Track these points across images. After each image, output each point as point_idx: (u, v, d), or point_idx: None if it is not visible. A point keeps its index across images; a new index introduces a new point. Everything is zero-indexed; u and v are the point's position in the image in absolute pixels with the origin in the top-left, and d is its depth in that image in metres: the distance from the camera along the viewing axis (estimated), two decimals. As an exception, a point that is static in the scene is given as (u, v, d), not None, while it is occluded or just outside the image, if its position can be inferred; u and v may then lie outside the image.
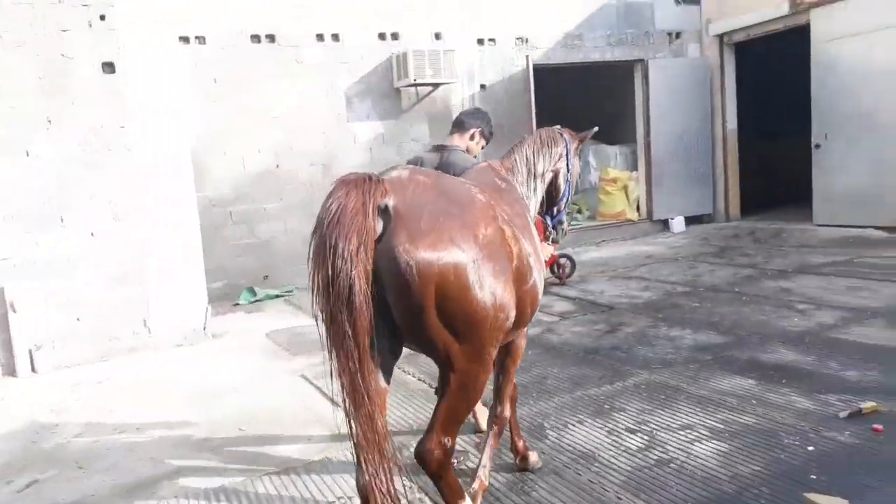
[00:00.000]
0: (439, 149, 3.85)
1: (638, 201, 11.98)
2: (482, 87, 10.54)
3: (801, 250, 9.10)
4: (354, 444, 2.21)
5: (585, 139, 3.76)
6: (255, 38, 9.04)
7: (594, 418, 4.05)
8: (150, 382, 5.45)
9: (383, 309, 2.26)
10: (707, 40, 12.01)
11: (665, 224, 11.94)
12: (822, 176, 10.31)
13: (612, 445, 3.67)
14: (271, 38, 9.14)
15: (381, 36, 9.83)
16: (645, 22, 11.64)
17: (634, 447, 3.63)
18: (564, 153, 3.55)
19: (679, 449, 3.56)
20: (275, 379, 5.32)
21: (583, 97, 14.53)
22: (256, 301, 8.52)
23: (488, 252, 2.35)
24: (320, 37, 9.45)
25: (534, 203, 3.43)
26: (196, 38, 8.67)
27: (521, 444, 3.42)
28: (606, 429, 3.89)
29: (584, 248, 10.94)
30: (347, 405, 2.18)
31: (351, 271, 2.08)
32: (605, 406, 4.24)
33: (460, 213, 2.33)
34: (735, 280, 7.62)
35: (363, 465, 2.22)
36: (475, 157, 3.96)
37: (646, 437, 3.73)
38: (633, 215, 11.92)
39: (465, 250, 2.26)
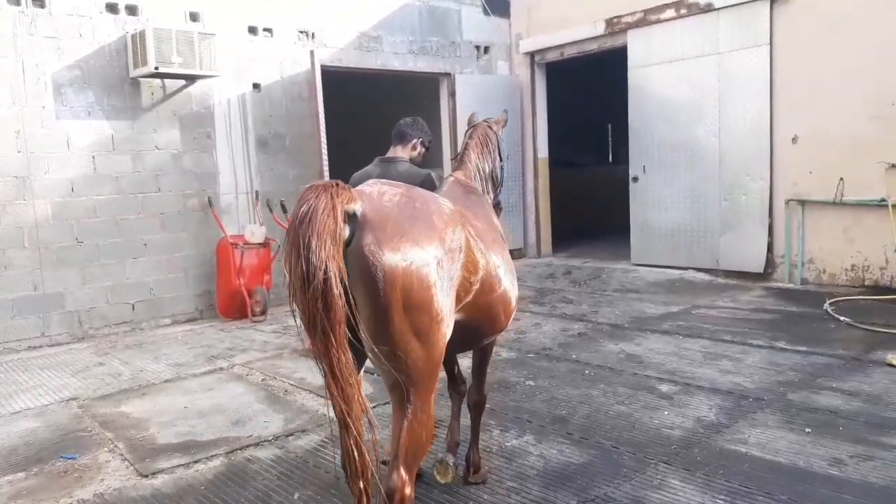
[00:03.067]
0: (386, 161, 3.87)
1: (444, 234, 10.37)
2: (255, 86, 8.28)
3: (627, 296, 7.94)
4: (338, 423, 2.23)
5: (505, 123, 3.99)
6: None
7: None
8: None
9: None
10: (517, 58, 10.81)
11: (473, 261, 10.44)
12: (641, 211, 9.41)
13: None
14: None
15: (112, 7, 7.22)
16: (451, 30, 10.14)
17: None
18: (497, 144, 3.74)
19: None
20: None
21: (381, 111, 12.73)
22: None
23: (451, 257, 2.44)
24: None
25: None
26: None
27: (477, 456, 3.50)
28: None
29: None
30: (330, 388, 2.20)
31: (325, 267, 2.11)
32: None
33: (427, 219, 2.41)
34: (568, 341, 6.10)
35: (345, 442, 2.26)
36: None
37: None
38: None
39: (428, 252, 2.33)
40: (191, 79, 7.64)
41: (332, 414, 2.23)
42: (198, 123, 7.86)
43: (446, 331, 2.43)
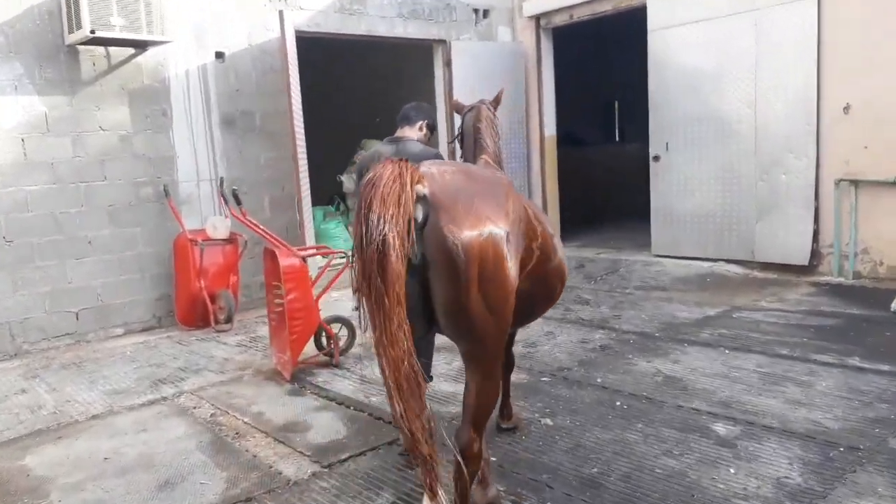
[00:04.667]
0: (396, 140, 3.85)
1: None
2: (219, 56, 7.14)
3: (652, 295, 6.86)
4: (387, 390, 2.30)
5: (499, 102, 3.99)
6: None
7: None
8: None
9: (423, 297, 2.40)
10: (521, 23, 9.64)
11: (474, 252, 9.34)
12: (663, 195, 8.30)
13: None
14: None
15: (41, -40, 6.08)
16: (446, -8, 8.96)
17: None
18: (496, 124, 3.79)
19: None
20: None
21: (369, 85, 11.60)
22: None
23: (516, 227, 2.54)
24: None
25: None
26: None
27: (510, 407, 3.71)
28: None
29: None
30: (379, 352, 2.28)
31: (384, 230, 2.17)
32: None
33: (492, 194, 2.50)
34: (589, 357, 5.03)
35: (395, 408, 2.30)
36: None
37: None
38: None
39: (500, 227, 2.41)
40: (140, 46, 6.51)
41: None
42: (151, 99, 6.73)
43: (513, 300, 2.50)
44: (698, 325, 5.65)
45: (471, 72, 8.97)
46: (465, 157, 3.83)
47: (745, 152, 7.47)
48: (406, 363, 2.25)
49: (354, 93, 11.85)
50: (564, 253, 3.08)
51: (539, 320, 6.05)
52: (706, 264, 7.69)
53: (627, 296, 6.91)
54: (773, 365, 4.54)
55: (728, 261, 7.66)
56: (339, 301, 7.35)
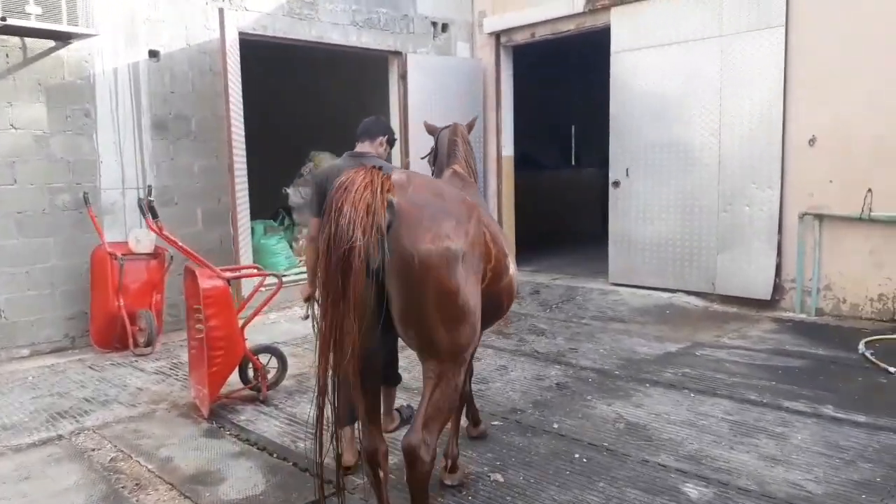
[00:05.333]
0: (357, 156, 3.79)
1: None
2: (153, 54, 6.56)
3: (610, 327, 6.49)
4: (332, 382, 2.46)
5: (473, 127, 4.17)
6: None
7: None
8: None
9: (381, 301, 2.45)
10: (480, 39, 9.29)
11: (424, 274, 8.88)
12: (622, 221, 7.99)
13: None
14: None
15: (-50, -63, 5.43)
16: (403, 2, 8.55)
17: None
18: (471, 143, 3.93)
19: None
20: None
21: (319, 95, 11.11)
22: None
23: (472, 249, 2.59)
24: None
25: None
26: None
27: (455, 450, 3.41)
28: None
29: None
30: (323, 352, 2.40)
31: (353, 236, 2.25)
32: None
33: (455, 213, 2.56)
34: (544, 396, 4.59)
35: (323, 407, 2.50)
36: None
37: None
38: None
39: (458, 245, 2.48)
40: (62, 39, 5.90)
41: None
42: (73, 98, 6.10)
43: (473, 318, 2.57)
44: (660, 362, 5.29)
45: (427, 86, 8.56)
46: (437, 173, 3.89)
47: (707, 181, 7.22)
48: (349, 367, 2.37)
49: (305, 104, 11.35)
50: (516, 270, 3.19)
51: (491, 352, 5.64)
52: (665, 295, 7.39)
53: (584, 326, 6.53)
54: (743, 412, 4.17)
55: (688, 292, 7.36)
56: (277, 323, 6.79)
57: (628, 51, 7.75)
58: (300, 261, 8.68)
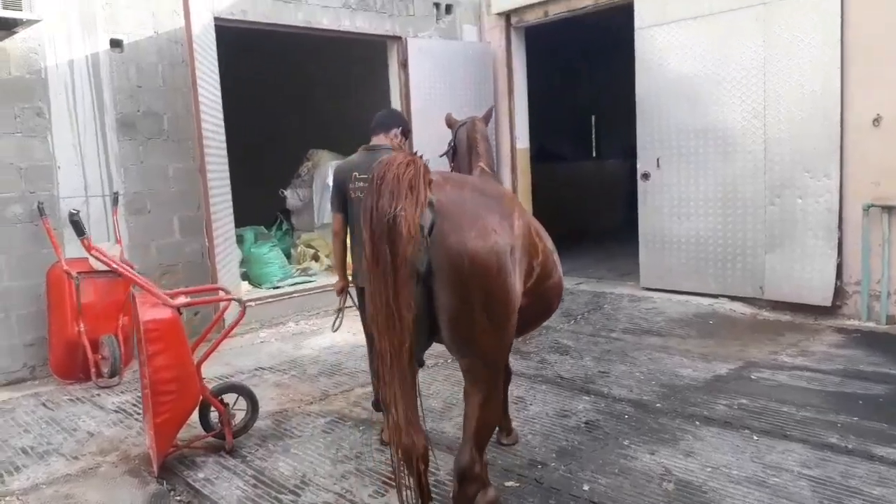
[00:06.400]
0: (372, 150, 3.77)
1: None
2: (115, 44, 5.79)
3: (645, 342, 5.60)
4: (379, 364, 2.29)
5: (489, 119, 4.00)
6: None
7: None
8: None
9: (427, 308, 2.33)
10: (489, 20, 8.43)
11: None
12: (653, 218, 7.09)
13: None
14: None
15: None
16: (403, -19, 7.72)
17: None
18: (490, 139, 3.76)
19: None
20: None
21: (312, 87, 10.32)
22: None
23: (520, 242, 2.50)
24: None
25: None
26: None
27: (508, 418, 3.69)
28: None
29: (305, 324, 6.61)
30: (378, 324, 2.23)
31: (398, 205, 2.15)
32: None
33: (498, 207, 2.46)
34: (570, 442, 3.72)
35: (385, 392, 2.31)
36: None
37: None
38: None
39: (505, 240, 2.37)
40: (5, 27, 5.14)
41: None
42: (21, 95, 5.36)
43: (515, 317, 2.47)
44: (709, 389, 4.40)
45: (430, 74, 7.73)
46: (458, 170, 3.70)
47: (751, 170, 6.30)
48: (406, 346, 2.21)
49: (296, 96, 10.55)
50: (561, 269, 3.05)
51: (516, 384, 4.80)
52: (706, 301, 6.49)
53: (615, 342, 5.65)
54: (825, 464, 3.29)
55: (732, 297, 6.47)
56: (266, 343, 6.00)
57: (655, 26, 6.84)
58: (296, 270, 7.90)
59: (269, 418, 4.28)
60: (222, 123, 6.22)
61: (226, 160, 6.23)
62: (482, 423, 2.44)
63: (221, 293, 4.02)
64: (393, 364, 2.23)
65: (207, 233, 5.61)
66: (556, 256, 2.96)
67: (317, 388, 4.86)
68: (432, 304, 2.32)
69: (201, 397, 3.66)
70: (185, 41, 5.66)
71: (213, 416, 3.85)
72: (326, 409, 4.42)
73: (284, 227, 9.02)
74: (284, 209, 9.10)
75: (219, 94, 6.22)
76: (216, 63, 6.19)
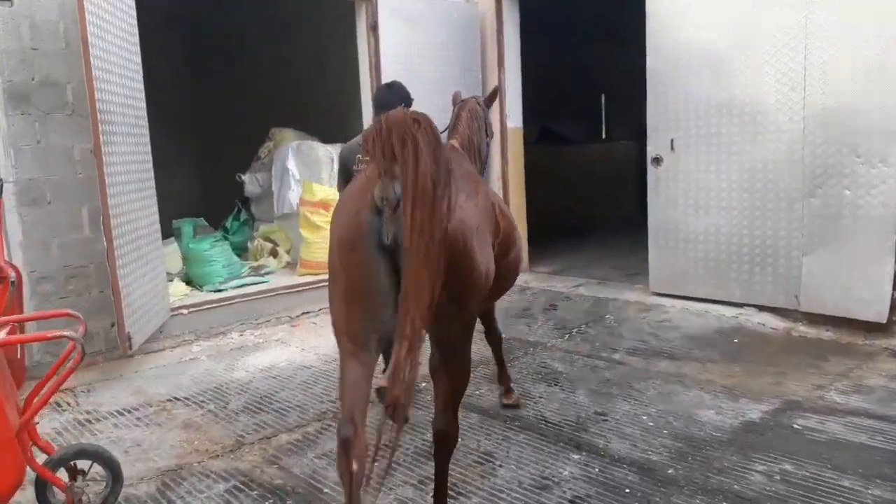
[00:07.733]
0: None
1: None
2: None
3: (655, 367, 4.50)
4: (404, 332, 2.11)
5: (494, 99, 3.97)
6: None
7: None
8: None
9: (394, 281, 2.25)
10: (477, -21, 7.28)
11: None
12: (665, 211, 5.98)
13: None
14: None
15: None
16: (376, -69, 6.55)
17: None
18: (484, 119, 3.70)
19: None
20: None
21: (269, 54, 9.16)
22: None
23: (484, 222, 2.50)
24: None
25: None
26: None
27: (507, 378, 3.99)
28: None
29: (251, 334, 5.55)
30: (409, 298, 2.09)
31: (406, 125, 2.10)
32: None
33: (464, 186, 2.43)
34: (550, 530, 2.66)
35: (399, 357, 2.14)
36: None
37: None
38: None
39: (470, 218, 2.36)
40: None
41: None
42: None
43: (485, 290, 2.49)
44: (739, 445, 3.31)
45: (406, 39, 6.60)
46: None
47: (786, 154, 5.17)
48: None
49: (250, 65, 9.37)
50: (522, 242, 3.07)
51: (475, 419, 3.71)
52: (729, 312, 5.40)
53: (617, 367, 4.56)
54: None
55: (760, 308, 5.37)
56: (196, 360, 4.91)
57: (671, -20, 5.68)
58: (248, 268, 6.83)
59: (155, 479, 3.23)
60: (141, 90, 5.12)
61: (146, 139, 5.14)
62: (452, 388, 2.51)
63: (66, 329, 2.92)
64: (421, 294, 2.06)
65: (105, 230, 4.51)
66: (516, 234, 2.98)
67: (232, 431, 3.79)
68: (398, 277, 2.19)
69: (26, 470, 2.59)
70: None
71: (56, 494, 2.78)
72: (232, 468, 3.35)
73: (243, 217, 7.95)
74: (245, 197, 8.04)
75: (137, 50, 5.12)
76: (133, 10, 5.08)
